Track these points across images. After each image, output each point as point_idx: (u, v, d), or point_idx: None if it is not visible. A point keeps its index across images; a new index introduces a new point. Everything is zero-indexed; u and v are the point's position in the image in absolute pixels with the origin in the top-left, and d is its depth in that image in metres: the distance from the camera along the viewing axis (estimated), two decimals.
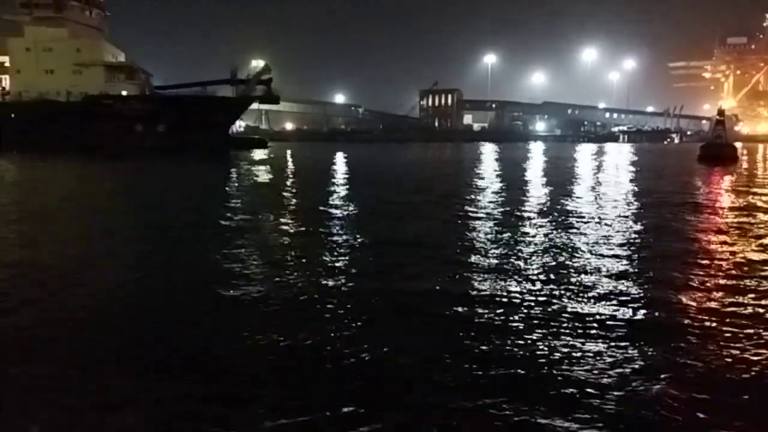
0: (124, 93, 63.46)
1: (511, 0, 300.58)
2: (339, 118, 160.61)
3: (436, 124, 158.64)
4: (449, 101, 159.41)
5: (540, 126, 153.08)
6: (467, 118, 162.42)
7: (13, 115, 60.25)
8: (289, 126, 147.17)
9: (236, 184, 27.67)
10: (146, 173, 35.71)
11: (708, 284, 8.92)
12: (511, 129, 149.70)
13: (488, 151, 72.22)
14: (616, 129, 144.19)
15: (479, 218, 15.85)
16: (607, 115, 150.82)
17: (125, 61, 67.98)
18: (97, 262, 10.89)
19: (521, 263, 10.28)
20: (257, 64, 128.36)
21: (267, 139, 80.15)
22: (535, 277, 9.30)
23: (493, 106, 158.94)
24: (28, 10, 64.19)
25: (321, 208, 17.61)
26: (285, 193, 23.00)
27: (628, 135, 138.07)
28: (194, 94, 64.54)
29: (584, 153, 68.57)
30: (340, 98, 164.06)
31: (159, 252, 11.61)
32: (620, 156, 62.58)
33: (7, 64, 65.20)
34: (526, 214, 16.51)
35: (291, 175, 33.37)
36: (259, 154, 58.40)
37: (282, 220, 15.59)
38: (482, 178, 30.64)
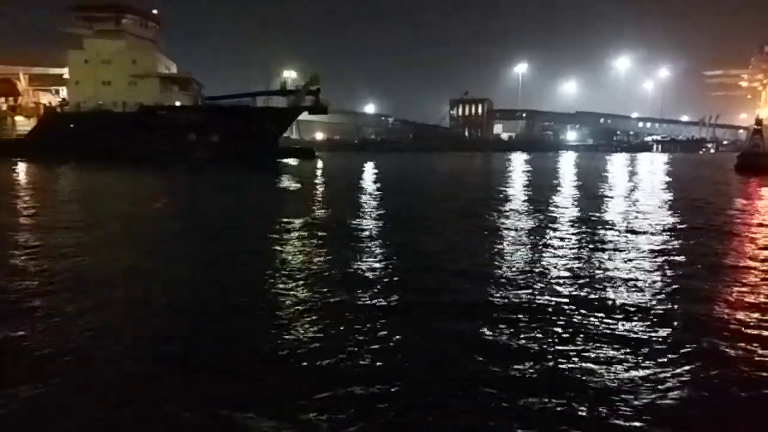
0: (177, 103, 66.48)
1: (544, 9, 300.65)
2: (369, 128, 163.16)
3: (466, 133, 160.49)
4: (479, 111, 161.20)
5: (571, 135, 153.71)
6: (497, 128, 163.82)
7: (72, 126, 63.40)
8: (319, 136, 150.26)
9: (280, 194, 28.69)
10: (198, 182, 37.51)
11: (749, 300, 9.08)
12: (542, 139, 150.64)
13: (518, 161, 72.78)
14: (649, 138, 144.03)
15: (505, 229, 16.17)
16: (641, 124, 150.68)
17: (179, 72, 71.06)
18: (150, 266, 11.90)
19: (545, 278, 10.30)
20: (289, 74, 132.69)
21: (314, 149, 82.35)
22: (559, 292, 9.41)
23: (524, 115, 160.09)
24: (89, 24, 67.55)
25: (350, 219, 18.04)
26: (322, 202, 24.15)
27: (662, 144, 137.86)
28: (246, 105, 67.06)
29: (617, 163, 68.95)
30: (370, 108, 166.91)
31: (199, 261, 12.44)
32: (654, 166, 62.53)
33: (66, 76, 68.90)
34: (553, 226, 16.62)
35: (332, 184, 34.74)
36: (305, 163, 60.91)
37: (313, 231, 15.92)
38: (510, 188, 31.05)
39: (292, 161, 62.78)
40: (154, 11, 71.85)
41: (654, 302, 8.91)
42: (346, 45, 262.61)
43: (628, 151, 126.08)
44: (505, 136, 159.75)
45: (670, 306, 8.73)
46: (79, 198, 27.30)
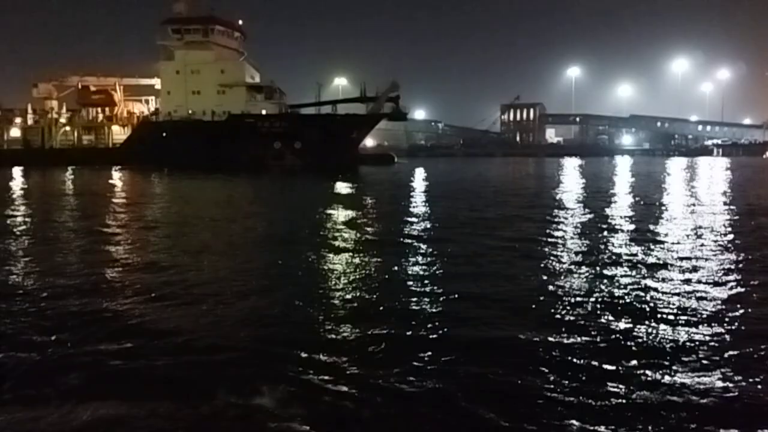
0: (263, 112, 70.89)
1: (596, 11, 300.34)
2: (419, 134, 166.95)
3: (518, 138, 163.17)
4: (531, 115, 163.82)
5: (627, 140, 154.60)
6: (549, 132, 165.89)
7: (164, 134, 68.87)
8: (369, 142, 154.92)
9: (357, 201, 29.92)
10: (284, 188, 39.33)
11: None
12: (596, 143, 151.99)
13: (571, 166, 73.66)
14: (709, 142, 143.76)
15: (556, 238, 16.47)
16: (700, 127, 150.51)
17: (263, 81, 75.45)
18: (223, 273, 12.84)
19: (588, 297, 10.29)
20: (340, 81, 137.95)
21: (395, 155, 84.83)
22: (609, 307, 9.56)
23: (577, 119, 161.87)
24: (180, 36, 71.70)
25: (403, 228, 18.87)
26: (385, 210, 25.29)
27: (723, 148, 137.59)
28: (328, 113, 71.43)
29: (675, 168, 68.92)
30: (420, 114, 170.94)
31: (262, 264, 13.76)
32: (714, 171, 62.33)
33: (157, 86, 74.85)
34: (605, 237, 16.67)
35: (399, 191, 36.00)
36: (385, 169, 64.57)
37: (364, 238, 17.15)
38: (562, 194, 31.24)
39: (374, 168, 66.34)
40: (240, 22, 77.06)
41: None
42: (393, 51, 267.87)
43: (686, 156, 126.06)
44: (557, 140, 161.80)
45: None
46: (183, 203, 29.41)
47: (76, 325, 8.95)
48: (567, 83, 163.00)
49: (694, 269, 12.35)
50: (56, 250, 15.29)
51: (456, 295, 10.32)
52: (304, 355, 7.62)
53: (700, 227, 18.67)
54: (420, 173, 56.74)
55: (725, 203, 27.18)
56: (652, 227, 18.52)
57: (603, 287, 10.89)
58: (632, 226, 19.02)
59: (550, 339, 8.13)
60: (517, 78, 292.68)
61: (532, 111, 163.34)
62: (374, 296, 10.45)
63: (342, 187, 39.79)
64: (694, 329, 8.51)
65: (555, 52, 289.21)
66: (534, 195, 31.98)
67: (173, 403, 6.28)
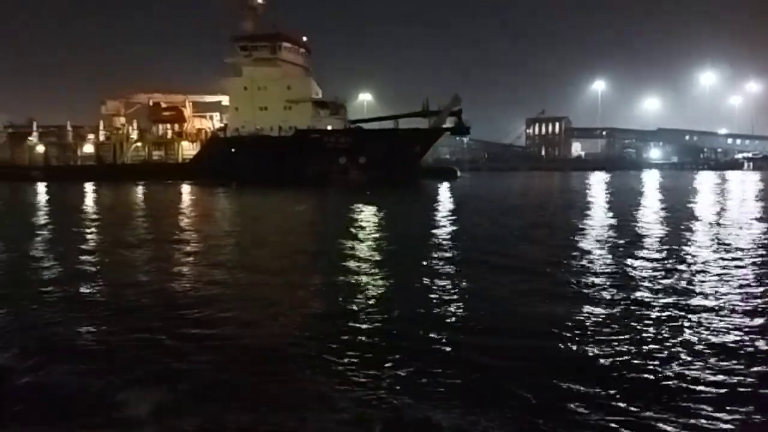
0: (329, 127, 74.38)
1: (621, 24, 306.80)
2: (443, 148, 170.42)
3: (543, 152, 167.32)
4: (557, 129, 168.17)
5: (654, 153, 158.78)
6: (575, 146, 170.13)
7: (233, 149, 72.29)
8: None
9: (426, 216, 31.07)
10: (352, 203, 39.53)
11: None
12: (623, 157, 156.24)
13: (598, 181, 75.22)
14: (739, 156, 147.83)
15: (580, 255, 17.10)
16: (729, 141, 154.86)
17: (330, 97, 78.69)
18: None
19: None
20: (364, 96, 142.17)
21: (457, 169, 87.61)
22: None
23: (603, 133, 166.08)
24: (248, 53, 75.30)
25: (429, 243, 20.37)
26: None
27: (754, 162, 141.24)
28: (393, 128, 74.04)
29: (704, 182, 70.28)
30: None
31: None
32: (746, 186, 63.16)
33: (225, 103, 78.36)
34: (632, 254, 17.07)
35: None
36: (447, 184, 67.42)
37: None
38: (588, 209, 32.29)
39: (438, 182, 68.76)
40: (304, 38, 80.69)
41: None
42: (415, 63, 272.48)
43: (715, 169, 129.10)
44: (583, 154, 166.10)
45: None
46: (257, 218, 31.37)
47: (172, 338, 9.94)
48: (593, 97, 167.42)
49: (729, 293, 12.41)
50: (127, 261, 17.44)
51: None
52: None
53: (732, 245, 18.72)
54: (484, 187, 60.46)
55: (759, 219, 27.57)
56: (693, 250, 18.17)
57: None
58: (655, 236, 20.82)
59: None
60: (542, 92, 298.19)
61: (557, 125, 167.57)
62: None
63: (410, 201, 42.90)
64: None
65: (580, 65, 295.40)
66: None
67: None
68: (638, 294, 12.34)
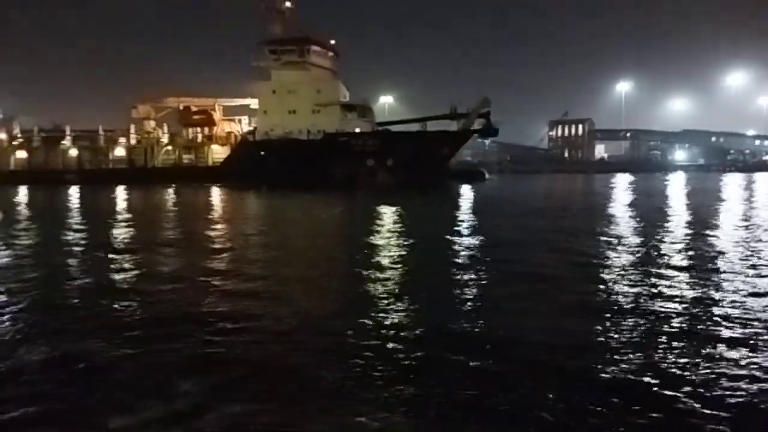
0: (357, 130, 74.72)
1: (646, 25, 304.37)
2: (465, 150, 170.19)
3: (566, 154, 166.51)
4: (580, 131, 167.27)
5: (680, 155, 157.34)
6: (599, 149, 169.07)
7: (262, 153, 73.10)
8: None
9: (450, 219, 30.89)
10: (379, 206, 39.79)
11: None
12: (648, 159, 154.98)
13: (622, 182, 74.54)
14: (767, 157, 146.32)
15: (601, 262, 16.86)
16: (757, 142, 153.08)
17: (357, 100, 79.41)
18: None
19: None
20: (386, 99, 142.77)
21: (485, 171, 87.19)
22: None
23: (628, 135, 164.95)
24: (277, 56, 76.46)
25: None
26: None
27: None
28: (421, 130, 74.40)
29: (732, 185, 68.89)
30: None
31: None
32: None
33: (253, 107, 79.37)
34: (656, 261, 16.67)
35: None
36: (477, 186, 67.37)
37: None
38: (611, 212, 31.95)
39: (465, 184, 68.58)
40: (332, 41, 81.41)
41: None
42: (435, 65, 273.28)
43: (743, 171, 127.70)
44: (606, 156, 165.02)
45: None
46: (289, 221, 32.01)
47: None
48: (616, 98, 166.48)
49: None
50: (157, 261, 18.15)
51: None
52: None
53: (763, 252, 18.17)
54: (510, 190, 60.39)
55: None
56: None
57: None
58: (680, 241, 20.51)
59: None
60: (565, 93, 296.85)
61: (580, 127, 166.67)
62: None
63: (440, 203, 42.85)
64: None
65: (604, 66, 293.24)
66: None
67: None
68: (663, 306, 11.85)
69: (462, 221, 29.71)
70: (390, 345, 9.76)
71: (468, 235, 23.83)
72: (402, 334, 10.33)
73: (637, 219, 29.16)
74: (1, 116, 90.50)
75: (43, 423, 7.15)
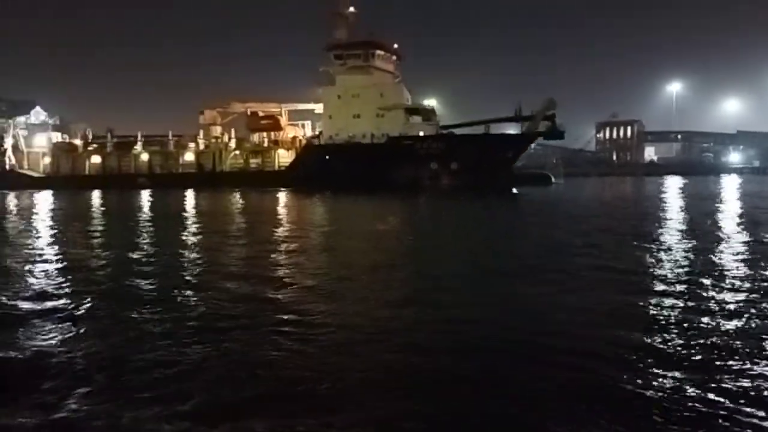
0: (421, 133, 75.02)
1: (698, 23, 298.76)
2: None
3: (614, 157, 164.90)
4: (629, 133, 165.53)
5: (734, 157, 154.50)
6: (649, 151, 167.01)
7: (327, 157, 74.52)
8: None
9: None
10: (443, 210, 40.66)
11: None
12: (700, 161, 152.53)
13: (673, 186, 73.37)
14: None
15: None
16: None
17: (418, 103, 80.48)
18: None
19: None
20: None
21: (551, 175, 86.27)
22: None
23: (679, 137, 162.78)
24: (342, 61, 77.58)
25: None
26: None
27: None
28: (486, 133, 75.05)
29: None
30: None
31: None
32: None
33: (318, 111, 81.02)
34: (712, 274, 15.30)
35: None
36: (543, 190, 67.43)
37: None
38: (662, 218, 30.72)
39: (532, 188, 68.60)
40: (395, 45, 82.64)
41: None
42: (480, 65, 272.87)
43: None
44: (656, 158, 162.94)
45: None
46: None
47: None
48: (667, 99, 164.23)
49: None
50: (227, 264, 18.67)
51: None
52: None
53: None
54: (577, 193, 60.08)
55: None
56: None
57: None
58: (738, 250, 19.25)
59: None
60: (613, 95, 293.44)
61: (629, 128, 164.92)
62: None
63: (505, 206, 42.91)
64: None
65: (653, 67, 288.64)
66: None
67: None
68: (713, 321, 11.16)
69: (527, 228, 29.76)
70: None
71: (531, 244, 23.04)
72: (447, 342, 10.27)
73: (696, 226, 27.67)
74: (58, 123, 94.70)
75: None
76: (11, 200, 60.18)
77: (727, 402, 7.45)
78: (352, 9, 79.98)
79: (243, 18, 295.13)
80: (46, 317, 12.07)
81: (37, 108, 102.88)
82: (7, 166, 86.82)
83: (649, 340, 10.00)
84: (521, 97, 79.20)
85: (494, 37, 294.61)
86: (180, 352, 9.70)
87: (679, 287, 14.00)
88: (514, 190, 65.23)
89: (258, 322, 11.43)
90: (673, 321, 11.17)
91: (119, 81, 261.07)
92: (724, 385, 8.01)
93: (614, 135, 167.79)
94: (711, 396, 7.66)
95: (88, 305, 13.06)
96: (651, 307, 12.16)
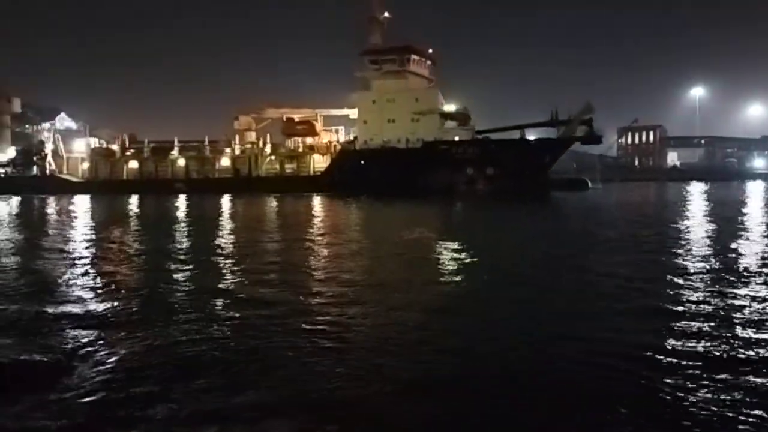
0: (456, 138, 75.85)
1: (720, 26, 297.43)
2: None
3: (636, 162, 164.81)
4: (651, 138, 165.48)
5: (759, 163, 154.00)
6: (671, 156, 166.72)
7: (362, 162, 75.32)
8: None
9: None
10: (478, 216, 41.33)
11: None
12: (724, 167, 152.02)
13: (696, 192, 73.44)
14: None
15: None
16: None
17: (458, 108, 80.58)
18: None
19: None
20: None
21: (588, 180, 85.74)
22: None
23: (702, 142, 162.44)
24: (377, 66, 78.95)
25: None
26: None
27: None
28: (522, 138, 75.30)
29: None
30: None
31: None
32: None
33: (352, 117, 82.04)
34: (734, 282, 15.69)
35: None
36: (580, 195, 67.73)
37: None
38: (684, 226, 30.97)
39: (568, 193, 68.98)
40: (430, 50, 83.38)
41: None
42: (499, 68, 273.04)
43: None
44: (679, 164, 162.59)
45: None
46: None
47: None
48: (689, 104, 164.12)
49: None
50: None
51: None
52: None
53: None
54: (625, 198, 60.37)
55: None
56: None
57: None
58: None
59: None
60: (634, 99, 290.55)
61: (651, 134, 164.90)
62: None
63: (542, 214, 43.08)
64: None
65: (675, 72, 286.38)
66: None
67: None
68: (739, 329, 11.37)
69: (562, 234, 30.26)
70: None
71: (568, 255, 22.74)
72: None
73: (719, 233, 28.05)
74: (81, 128, 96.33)
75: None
76: (52, 204, 61.52)
77: (744, 407, 7.71)
78: (386, 14, 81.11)
79: (279, 27, 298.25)
80: (74, 320, 12.67)
81: (62, 114, 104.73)
82: (48, 171, 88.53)
83: (669, 346, 10.45)
84: (554, 102, 78.16)
85: (505, 42, 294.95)
86: (200, 356, 10.14)
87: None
88: (551, 195, 65.43)
89: (287, 328, 11.85)
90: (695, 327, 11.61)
91: (137, 88, 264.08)
92: (740, 389, 8.30)
93: (636, 140, 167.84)
94: (726, 398, 8.04)
95: (119, 309, 13.79)
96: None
